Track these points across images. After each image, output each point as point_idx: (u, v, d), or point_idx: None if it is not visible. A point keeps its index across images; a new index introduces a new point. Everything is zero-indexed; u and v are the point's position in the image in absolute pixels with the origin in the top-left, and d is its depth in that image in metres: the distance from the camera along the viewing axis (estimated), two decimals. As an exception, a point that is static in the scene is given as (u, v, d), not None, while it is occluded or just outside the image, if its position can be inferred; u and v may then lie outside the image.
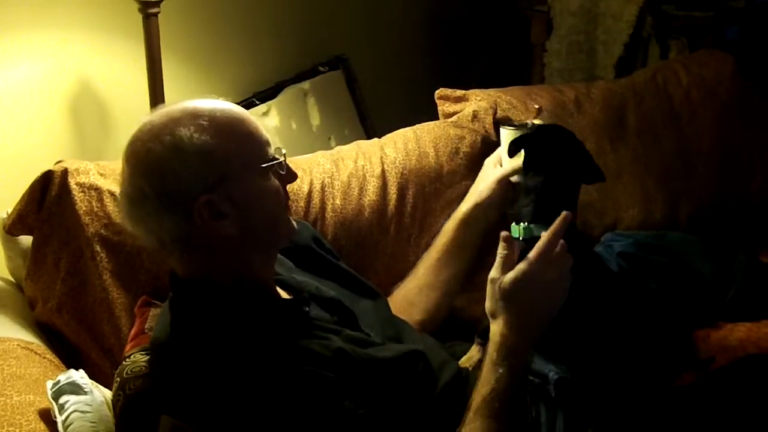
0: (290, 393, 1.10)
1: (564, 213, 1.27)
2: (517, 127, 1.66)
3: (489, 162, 1.73)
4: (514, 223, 1.45)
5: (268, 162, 1.21)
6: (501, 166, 1.68)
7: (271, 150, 1.23)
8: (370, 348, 1.25)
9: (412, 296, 1.60)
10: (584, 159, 1.51)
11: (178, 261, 1.22)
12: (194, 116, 1.18)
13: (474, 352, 1.46)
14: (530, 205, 1.45)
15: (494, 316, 1.26)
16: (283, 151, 1.25)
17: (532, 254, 1.24)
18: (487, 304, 1.27)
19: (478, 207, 1.66)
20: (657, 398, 1.33)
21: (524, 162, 1.49)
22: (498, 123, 1.82)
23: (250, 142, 1.21)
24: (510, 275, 1.24)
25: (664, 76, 2.12)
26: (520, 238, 1.41)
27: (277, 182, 1.23)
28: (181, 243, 1.19)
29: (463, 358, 1.48)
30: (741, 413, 1.31)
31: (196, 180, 1.15)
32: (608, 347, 1.37)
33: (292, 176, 1.28)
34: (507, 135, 1.63)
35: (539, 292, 1.24)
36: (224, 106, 1.22)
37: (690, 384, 1.39)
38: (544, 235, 1.25)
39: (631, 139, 2.02)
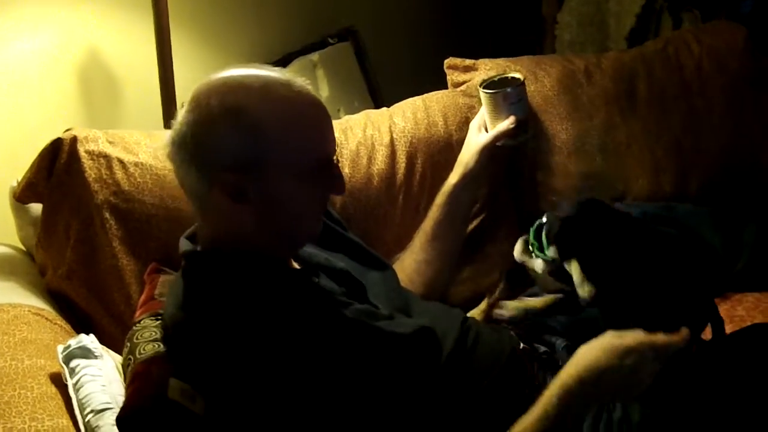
0: (302, 364, 1.10)
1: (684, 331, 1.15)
2: (497, 84, 1.63)
3: (474, 126, 1.67)
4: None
5: (316, 168, 1.16)
6: (486, 130, 1.64)
7: (329, 153, 1.18)
8: (380, 321, 1.24)
9: (410, 272, 1.58)
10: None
11: (195, 213, 1.21)
12: (266, 93, 1.13)
13: (496, 292, 1.44)
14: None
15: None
16: (337, 160, 1.22)
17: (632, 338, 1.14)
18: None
19: (465, 178, 1.61)
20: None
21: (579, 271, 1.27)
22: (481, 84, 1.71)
23: (310, 141, 1.15)
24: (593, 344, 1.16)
25: (675, 47, 2.10)
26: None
27: (316, 189, 1.19)
28: (198, 201, 1.18)
29: (474, 310, 1.48)
30: (744, 380, 1.31)
31: (233, 152, 1.11)
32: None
33: (339, 189, 1.22)
34: (486, 98, 1.62)
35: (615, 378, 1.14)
36: (306, 93, 1.16)
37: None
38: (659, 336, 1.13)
39: (641, 109, 2.01)
